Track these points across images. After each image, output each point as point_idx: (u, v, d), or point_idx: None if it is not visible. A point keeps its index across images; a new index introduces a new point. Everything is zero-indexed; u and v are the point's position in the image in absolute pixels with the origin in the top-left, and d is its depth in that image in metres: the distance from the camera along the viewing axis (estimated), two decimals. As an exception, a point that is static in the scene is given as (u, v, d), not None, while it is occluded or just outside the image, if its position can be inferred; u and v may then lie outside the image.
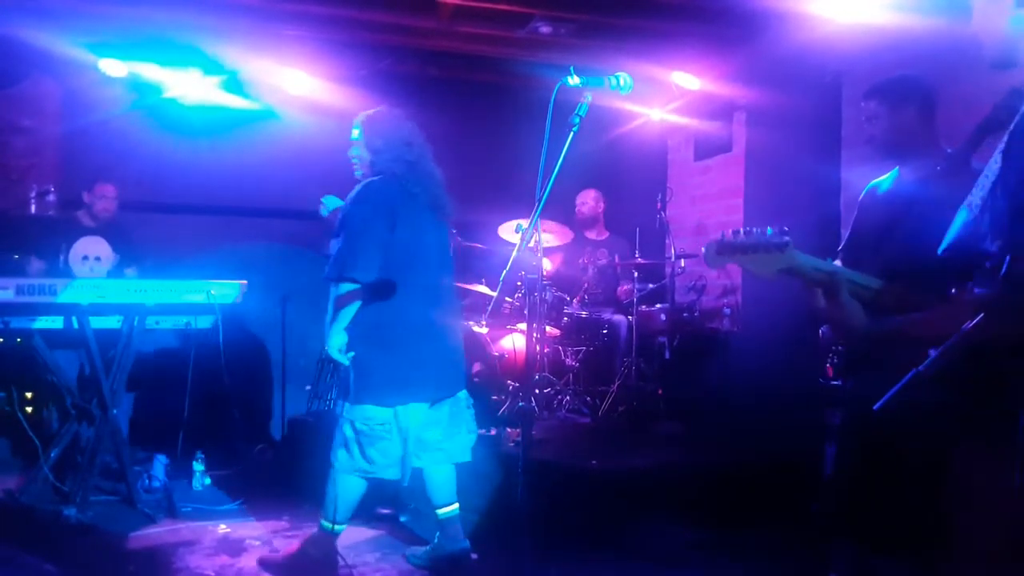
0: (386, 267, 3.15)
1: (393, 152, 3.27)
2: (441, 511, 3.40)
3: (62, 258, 4.56)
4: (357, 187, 3.27)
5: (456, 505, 3.42)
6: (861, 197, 2.94)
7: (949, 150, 2.69)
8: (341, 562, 3.34)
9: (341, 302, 3.12)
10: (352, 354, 3.13)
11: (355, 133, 3.35)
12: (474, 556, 3.58)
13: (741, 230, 1.68)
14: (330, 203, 3.53)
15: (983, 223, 1.64)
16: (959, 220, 1.71)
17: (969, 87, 4.01)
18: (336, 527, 3.27)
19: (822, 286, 1.68)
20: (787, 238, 1.66)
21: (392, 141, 3.29)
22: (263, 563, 3.43)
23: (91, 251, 4.42)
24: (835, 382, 2.81)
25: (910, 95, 2.72)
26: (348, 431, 3.18)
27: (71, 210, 5.00)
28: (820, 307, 1.68)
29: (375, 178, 3.26)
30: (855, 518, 2.71)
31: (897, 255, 2.52)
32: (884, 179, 2.86)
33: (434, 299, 3.30)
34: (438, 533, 3.46)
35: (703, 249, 1.71)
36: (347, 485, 3.25)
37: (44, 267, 4.61)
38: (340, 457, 3.20)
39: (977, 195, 1.69)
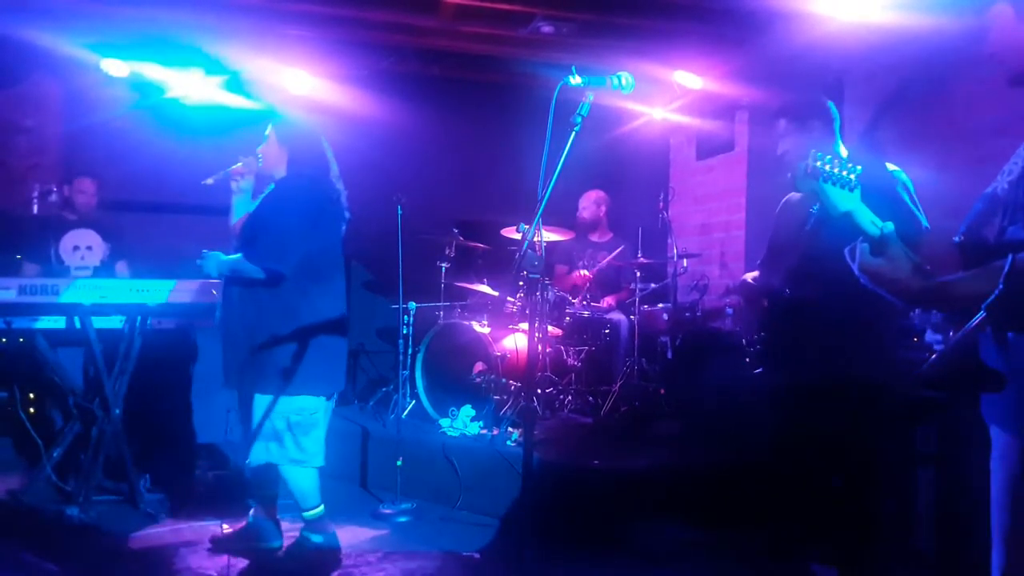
0: (310, 267, 3.26)
1: (308, 156, 3.39)
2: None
3: (53, 251, 4.57)
4: (280, 187, 3.38)
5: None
6: (777, 211, 3.11)
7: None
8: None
9: (252, 279, 3.20)
10: (281, 347, 3.21)
11: (270, 131, 3.43)
12: (476, 555, 3.59)
13: (830, 158, 1.72)
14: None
15: (997, 212, 1.68)
16: (975, 208, 1.76)
17: (968, 86, 4.02)
18: (317, 510, 3.42)
19: (872, 241, 1.70)
20: (859, 182, 1.70)
21: (308, 145, 3.42)
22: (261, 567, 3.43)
23: (81, 242, 4.44)
24: (757, 370, 3.07)
25: (815, 113, 2.94)
26: (280, 424, 3.25)
27: (57, 207, 4.99)
28: (869, 262, 1.70)
29: (298, 180, 3.36)
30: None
31: (806, 263, 2.80)
32: (795, 194, 3.04)
33: (343, 298, 3.47)
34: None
35: (799, 166, 1.75)
36: (299, 475, 3.37)
37: (39, 269, 4.62)
38: (272, 451, 3.27)
39: (1001, 185, 1.73)
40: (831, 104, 2.97)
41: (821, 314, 2.74)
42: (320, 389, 3.35)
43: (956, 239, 1.77)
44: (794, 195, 3.06)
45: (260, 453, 3.28)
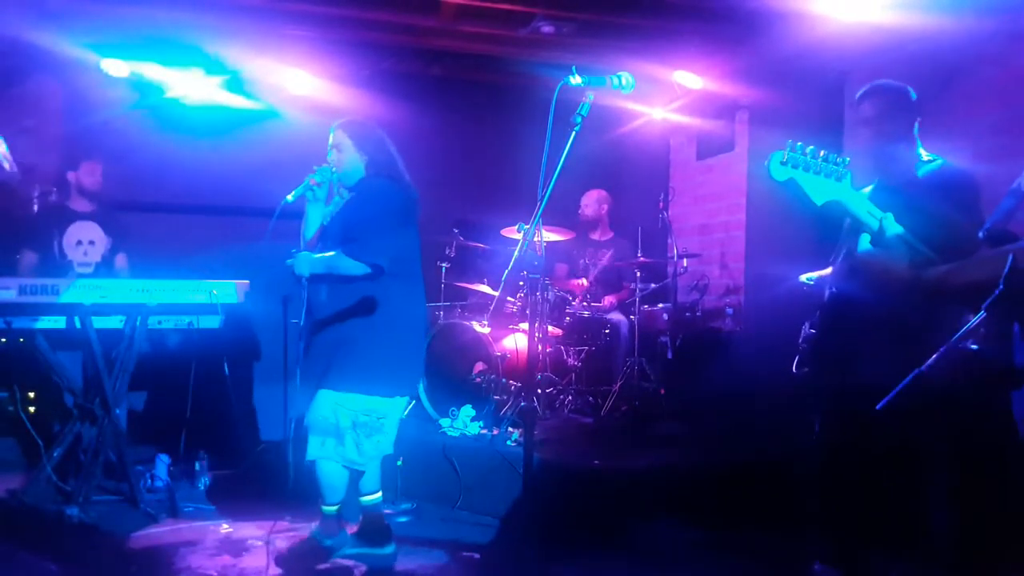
0: (399, 264, 3.27)
1: (385, 158, 3.42)
2: (369, 498, 3.46)
3: (56, 244, 4.58)
4: (367, 186, 3.38)
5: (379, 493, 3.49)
6: None
7: (927, 158, 2.73)
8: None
9: (349, 276, 3.21)
10: (357, 345, 3.21)
11: (341, 137, 3.42)
12: (476, 555, 3.59)
13: (811, 146, 1.68)
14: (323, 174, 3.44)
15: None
16: (1002, 205, 1.75)
17: (969, 86, 4.02)
18: (334, 507, 3.40)
19: (870, 230, 1.68)
20: (848, 171, 1.67)
21: (382, 147, 3.45)
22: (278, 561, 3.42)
23: (84, 236, 4.45)
24: (803, 370, 3.10)
25: (903, 103, 2.75)
26: (345, 422, 3.22)
27: (61, 198, 4.95)
28: (864, 251, 1.68)
29: (378, 179, 3.37)
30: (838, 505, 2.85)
31: (849, 262, 2.63)
32: (868, 190, 2.95)
33: (424, 298, 3.49)
34: (361, 517, 3.51)
35: (770, 157, 1.71)
36: (333, 471, 3.33)
37: (37, 259, 4.62)
38: (328, 445, 3.24)
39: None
40: (914, 97, 2.74)
41: (864, 313, 2.68)
42: (394, 390, 3.32)
43: (981, 234, 1.74)
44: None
45: (315, 448, 3.25)
